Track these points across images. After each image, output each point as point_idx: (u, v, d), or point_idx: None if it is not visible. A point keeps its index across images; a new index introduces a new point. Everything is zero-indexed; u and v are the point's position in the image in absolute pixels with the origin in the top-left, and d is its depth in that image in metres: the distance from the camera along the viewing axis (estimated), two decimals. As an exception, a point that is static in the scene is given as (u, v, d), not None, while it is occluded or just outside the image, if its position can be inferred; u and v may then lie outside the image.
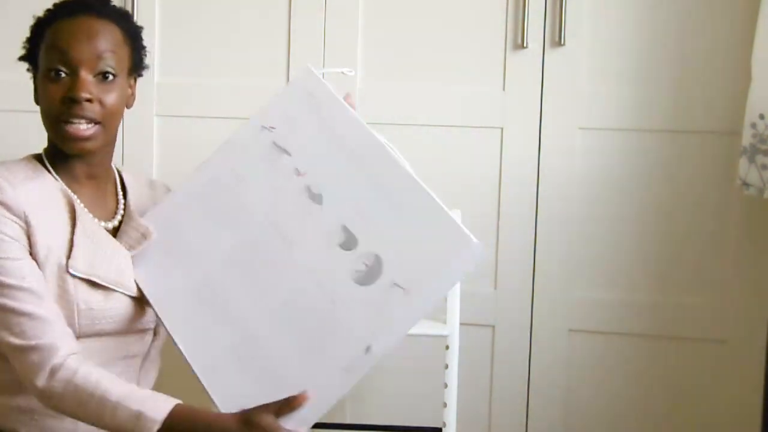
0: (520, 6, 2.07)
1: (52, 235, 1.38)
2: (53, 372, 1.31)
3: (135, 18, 2.16)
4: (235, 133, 1.56)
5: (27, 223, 1.36)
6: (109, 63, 1.42)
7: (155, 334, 1.52)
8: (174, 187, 1.61)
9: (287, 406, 1.29)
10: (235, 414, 1.31)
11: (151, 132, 2.23)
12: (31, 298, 1.34)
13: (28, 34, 1.47)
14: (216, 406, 1.36)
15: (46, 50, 1.41)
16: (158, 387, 1.48)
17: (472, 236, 1.30)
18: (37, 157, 1.47)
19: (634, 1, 2.05)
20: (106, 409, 1.30)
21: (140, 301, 1.46)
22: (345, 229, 1.40)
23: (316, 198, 1.45)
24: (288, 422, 1.29)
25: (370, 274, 1.35)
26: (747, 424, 2.05)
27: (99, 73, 1.41)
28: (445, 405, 1.85)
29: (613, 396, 2.12)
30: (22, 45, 1.48)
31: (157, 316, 1.46)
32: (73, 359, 1.33)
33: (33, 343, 1.32)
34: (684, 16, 2.03)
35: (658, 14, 2.04)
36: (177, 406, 1.31)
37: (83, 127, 1.40)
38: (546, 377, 2.13)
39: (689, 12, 2.03)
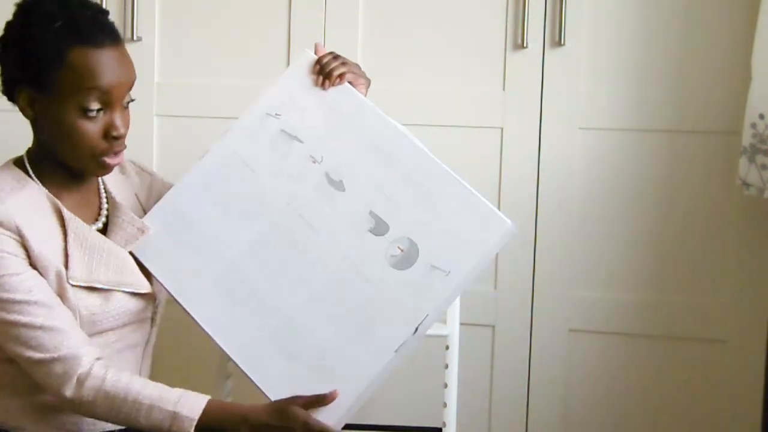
0: (520, 6, 2.07)
1: (46, 245, 1.37)
2: (81, 381, 1.33)
3: (135, 19, 2.19)
4: (238, 122, 1.55)
5: (21, 235, 1.35)
6: (130, 93, 1.43)
7: (153, 322, 1.52)
8: (148, 167, 1.63)
9: (318, 401, 1.34)
10: (267, 405, 1.35)
11: (151, 132, 2.23)
12: (41, 310, 1.33)
13: (15, 35, 1.38)
14: (265, 395, 1.38)
15: (75, 83, 1.34)
16: (153, 375, 1.49)
17: (504, 217, 1.38)
18: (19, 162, 1.44)
19: (634, 1, 2.05)
20: (140, 412, 1.33)
21: (140, 294, 1.45)
22: (373, 215, 1.43)
23: (338, 185, 1.46)
24: (328, 415, 1.33)
25: (406, 259, 1.40)
26: (747, 424, 2.05)
27: (124, 103, 1.42)
28: (445, 405, 1.85)
29: (613, 396, 2.12)
30: (5, 44, 1.39)
31: (185, 310, 1.46)
32: (98, 366, 1.34)
33: (55, 355, 1.32)
34: (684, 16, 2.03)
35: (658, 14, 2.04)
36: (210, 401, 1.35)
37: (117, 158, 1.41)
38: (546, 377, 2.13)
39: (689, 12, 2.03)
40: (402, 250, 1.41)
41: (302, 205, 1.47)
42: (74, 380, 1.32)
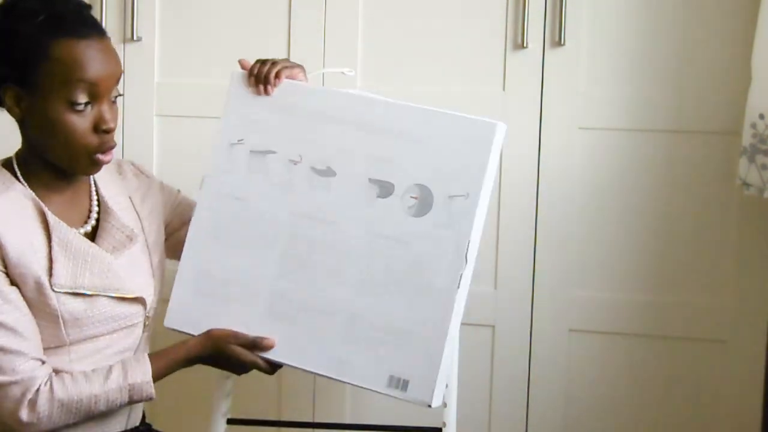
0: (520, 6, 2.07)
1: (26, 251, 1.35)
2: (33, 404, 1.34)
3: (135, 19, 2.19)
4: (210, 166, 1.57)
5: None
6: (118, 86, 1.41)
7: (145, 327, 1.51)
8: (147, 168, 1.65)
9: (254, 344, 1.45)
10: (202, 339, 1.46)
11: (151, 132, 2.23)
12: (2, 331, 1.33)
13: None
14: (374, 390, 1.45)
15: (61, 76, 1.32)
16: (156, 385, 1.49)
17: (489, 120, 1.41)
18: (7, 164, 1.43)
19: (634, 1, 2.05)
20: (99, 402, 1.37)
21: (125, 301, 1.45)
22: (373, 181, 1.45)
23: (327, 172, 1.47)
24: (426, 383, 1.42)
25: (423, 203, 1.43)
26: (747, 424, 2.05)
27: (112, 96, 1.40)
28: (445, 405, 1.84)
29: (613, 396, 2.12)
30: None
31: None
32: (44, 383, 1.35)
33: (11, 378, 1.33)
34: (684, 16, 2.03)
35: (658, 14, 2.04)
36: (151, 358, 1.43)
37: (108, 155, 1.40)
38: (546, 377, 2.13)
39: (689, 12, 2.03)
40: (416, 198, 1.44)
41: (305, 207, 1.48)
42: (26, 404, 1.33)
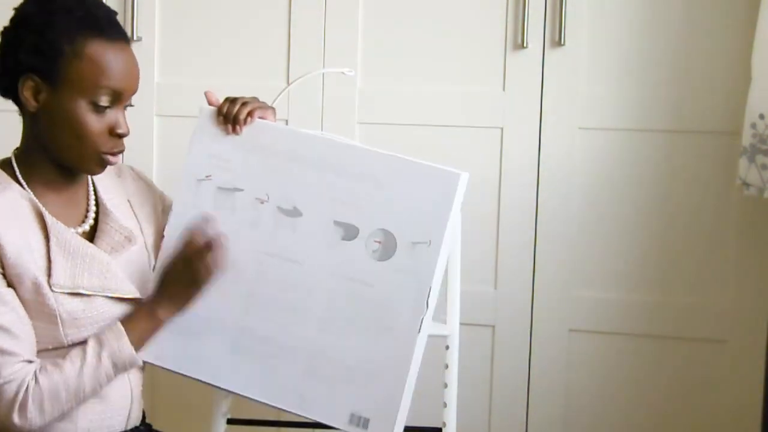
0: (520, 6, 2.07)
1: (24, 252, 1.35)
2: (24, 404, 1.34)
3: (135, 19, 2.19)
4: (175, 201, 1.56)
5: None
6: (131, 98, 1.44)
7: None
8: (144, 171, 1.65)
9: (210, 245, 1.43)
10: (155, 289, 1.46)
11: (151, 132, 2.23)
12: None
13: (32, 25, 1.36)
14: (331, 427, 1.47)
15: (89, 73, 1.35)
16: (156, 385, 1.49)
17: (454, 170, 1.45)
18: (5, 164, 1.43)
19: (634, 1, 2.05)
20: (84, 377, 1.36)
21: (122, 301, 1.44)
22: (338, 224, 1.47)
23: (293, 212, 1.49)
24: (387, 422, 1.44)
25: (386, 248, 1.45)
26: (747, 424, 2.05)
27: (128, 104, 1.43)
28: (445, 405, 1.85)
29: (613, 396, 2.12)
30: (20, 29, 1.37)
31: (212, 385, 1.51)
32: (30, 379, 1.35)
33: (2, 381, 1.33)
34: (684, 16, 2.03)
35: (658, 14, 2.04)
36: (123, 326, 1.41)
37: (117, 157, 1.42)
38: (546, 377, 2.13)
39: (689, 12, 2.03)
40: (380, 242, 1.46)
41: (270, 246, 1.50)
42: (17, 406, 1.33)
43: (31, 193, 1.40)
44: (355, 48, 2.15)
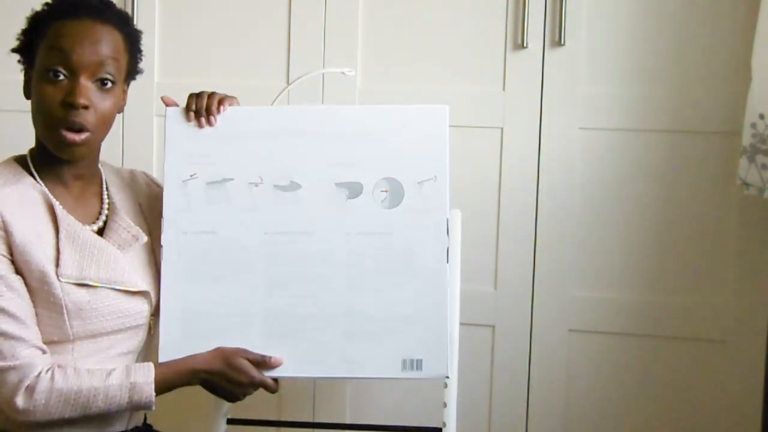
0: (520, 6, 2.07)
1: (34, 241, 1.37)
2: (30, 389, 1.34)
3: (135, 19, 2.19)
4: (164, 208, 1.53)
5: (6, 230, 1.35)
6: (109, 70, 1.41)
7: (150, 330, 1.51)
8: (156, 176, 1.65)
9: (262, 362, 1.45)
10: (214, 353, 1.45)
11: (151, 132, 2.23)
12: (4, 317, 1.33)
13: (24, 26, 1.45)
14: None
15: (46, 48, 1.39)
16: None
17: (437, 105, 1.52)
18: (21, 159, 1.46)
19: (634, 1, 2.05)
20: (98, 397, 1.37)
21: (129, 295, 1.45)
22: (340, 185, 1.49)
23: (292, 186, 1.50)
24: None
25: (394, 194, 1.51)
26: (747, 424, 2.05)
27: (98, 80, 1.40)
28: (445, 405, 1.84)
29: (613, 396, 2.12)
30: (17, 36, 1.46)
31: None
32: (44, 371, 1.35)
33: (10, 363, 1.33)
34: (684, 16, 2.03)
35: (657, 14, 2.04)
36: (157, 365, 1.42)
37: (76, 134, 1.39)
38: (546, 377, 2.13)
39: (689, 12, 2.03)
40: (386, 191, 1.51)
41: (277, 225, 1.50)
42: (23, 390, 1.33)
43: (44, 186, 1.42)
44: (355, 48, 2.15)
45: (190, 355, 1.46)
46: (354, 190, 1.50)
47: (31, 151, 1.47)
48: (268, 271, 1.50)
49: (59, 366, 1.37)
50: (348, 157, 1.51)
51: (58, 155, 1.42)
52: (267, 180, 1.51)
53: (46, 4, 1.45)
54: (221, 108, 1.54)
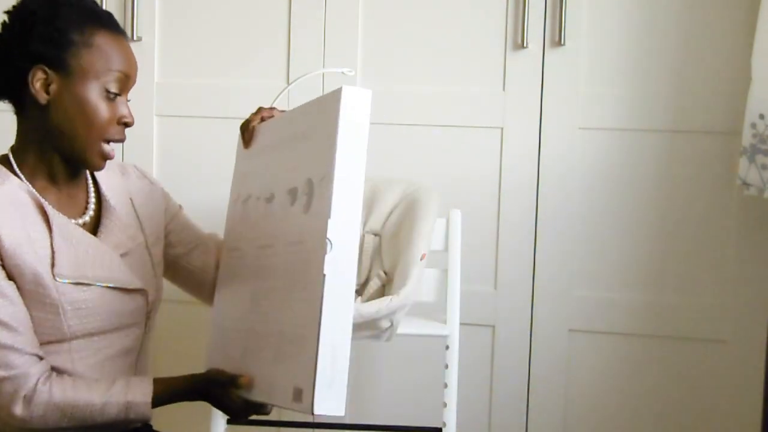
0: (520, 6, 2.07)
1: (23, 243, 1.35)
2: (28, 399, 1.33)
3: (135, 19, 2.20)
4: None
5: None
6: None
7: (146, 328, 1.51)
8: (151, 175, 1.63)
9: (233, 383, 1.39)
10: (210, 375, 1.43)
11: (151, 132, 2.23)
12: None
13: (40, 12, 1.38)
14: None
15: (103, 64, 1.39)
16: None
17: (338, 88, 1.26)
18: (3, 159, 1.44)
19: (634, 1, 2.05)
20: (95, 412, 1.36)
21: (125, 293, 1.45)
22: (288, 191, 1.37)
23: (270, 198, 1.45)
24: None
25: (309, 197, 1.30)
26: (747, 424, 2.05)
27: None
28: (445, 405, 1.85)
29: (613, 396, 2.12)
30: (28, 21, 1.38)
31: None
32: (42, 381, 1.35)
33: (4, 374, 1.32)
34: (684, 16, 2.03)
35: (658, 14, 2.04)
36: (155, 381, 1.40)
37: (114, 152, 1.44)
38: (546, 377, 2.13)
39: (689, 12, 2.03)
40: (306, 194, 1.30)
41: (261, 238, 1.44)
42: (21, 399, 1.33)
43: (31, 186, 1.41)
44: (355, 48, 2.15)
45: (190, 374, 1.44)
46: (292, 195, 1.35)
47: (14, 151, 1.44)
48: (252, 285, 1.44)
49: (58, 374, 1.36)
50: (292, 161, 1.38)
51: (91, 167, 1.44)
52: (260, 193, 1.49)
53: (71, 5, 1.40)
54: (253, 129, 1.56)
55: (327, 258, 1.20)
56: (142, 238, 1.52)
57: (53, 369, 1.39)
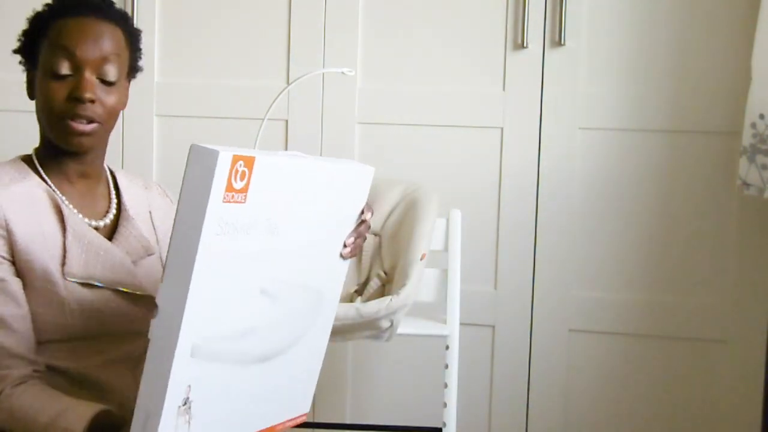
0: (520, 6, 2.07)
1: (36, 239, 1.36)
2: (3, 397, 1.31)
3: (135, 18, 2.19)
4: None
5: (8, 230, 1.35)
6: (111, 66, 1.42)
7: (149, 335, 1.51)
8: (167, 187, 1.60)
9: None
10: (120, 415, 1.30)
11: (151, 132, 2.23)
12: None
13: (25, 26, 1.46)
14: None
15: (50, 47, 1.40)
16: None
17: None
18: (27, 158, 1.46)
19: (634, 1, 2.05)
20: (37, 429, 1.28)
21: (133, 299, 1.45)
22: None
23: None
24: None
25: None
26: (747, 424, 2.05)
27: (101, 75, 1.42)
28: (445, 405, 1.85)
29: (613, 396, 2.12)
30: (18, 37, 1.46)
31: None
32: (16, 383, 1.32)
33: None
34: (684, 16, 2.03)
35: (657, 14, 2.04)
36: (100, 412, 1.28)
37: (83, 125, 1.40)
38: (546, 377, 2.13)
39: (689, 12, 2.03)
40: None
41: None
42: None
43: (51, 184, 1.42)
44: (355, 48, 2.15)
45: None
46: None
47: (36, 150, 1.47)
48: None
49: (31, 381, 1.33)
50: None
51: (66, 147, 1.42)
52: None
53: (47, 4, 1.45)
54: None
55: (152, 322, 1.11)
56: (157, 252, 1.53)
57: (53, 368, 1.39)
